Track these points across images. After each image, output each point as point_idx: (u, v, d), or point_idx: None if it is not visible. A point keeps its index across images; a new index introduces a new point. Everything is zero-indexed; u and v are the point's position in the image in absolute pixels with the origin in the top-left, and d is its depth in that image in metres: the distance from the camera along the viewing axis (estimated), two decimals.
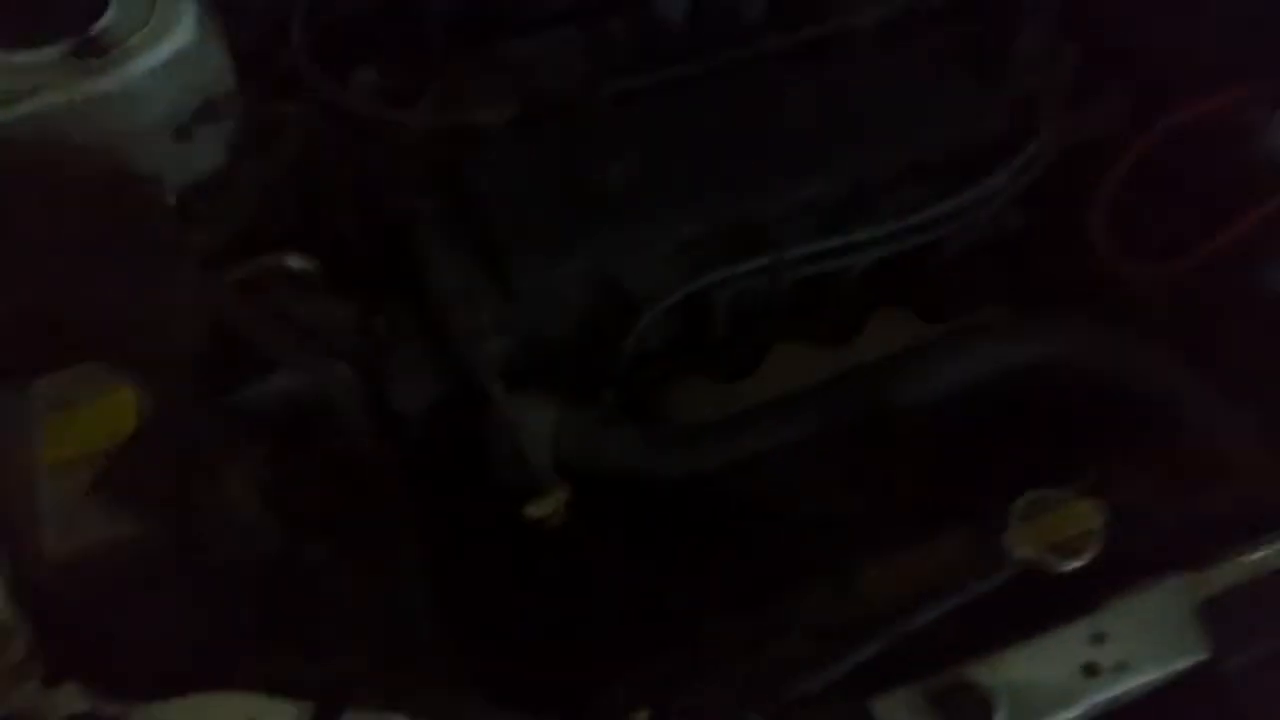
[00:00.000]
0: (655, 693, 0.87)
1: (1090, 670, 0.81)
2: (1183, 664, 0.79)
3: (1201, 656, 0.79)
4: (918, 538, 1.00)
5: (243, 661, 0.74)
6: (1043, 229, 1.22)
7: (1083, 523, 0.87)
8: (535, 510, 0.91)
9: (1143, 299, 1.15)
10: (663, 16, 1.19)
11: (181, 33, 1.04)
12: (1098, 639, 0.83)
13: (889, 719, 0.76)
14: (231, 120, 1.12)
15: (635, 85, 1.12)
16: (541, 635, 0.99)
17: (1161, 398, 1.04)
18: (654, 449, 0.98)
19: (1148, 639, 0.82)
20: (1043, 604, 0.85)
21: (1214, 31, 1.14)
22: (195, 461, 0.81)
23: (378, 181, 1.15)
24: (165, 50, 1.02)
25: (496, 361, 0.99)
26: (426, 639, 0.94)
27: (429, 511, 1.06)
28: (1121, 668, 0.81)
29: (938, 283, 1.17)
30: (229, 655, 0.74)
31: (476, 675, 0.91)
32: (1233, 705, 0.80)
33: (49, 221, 0.91)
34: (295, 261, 1.09)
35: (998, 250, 1.21)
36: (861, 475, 1.08)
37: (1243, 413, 1.00)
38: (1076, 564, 0.85)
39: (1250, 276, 1.10)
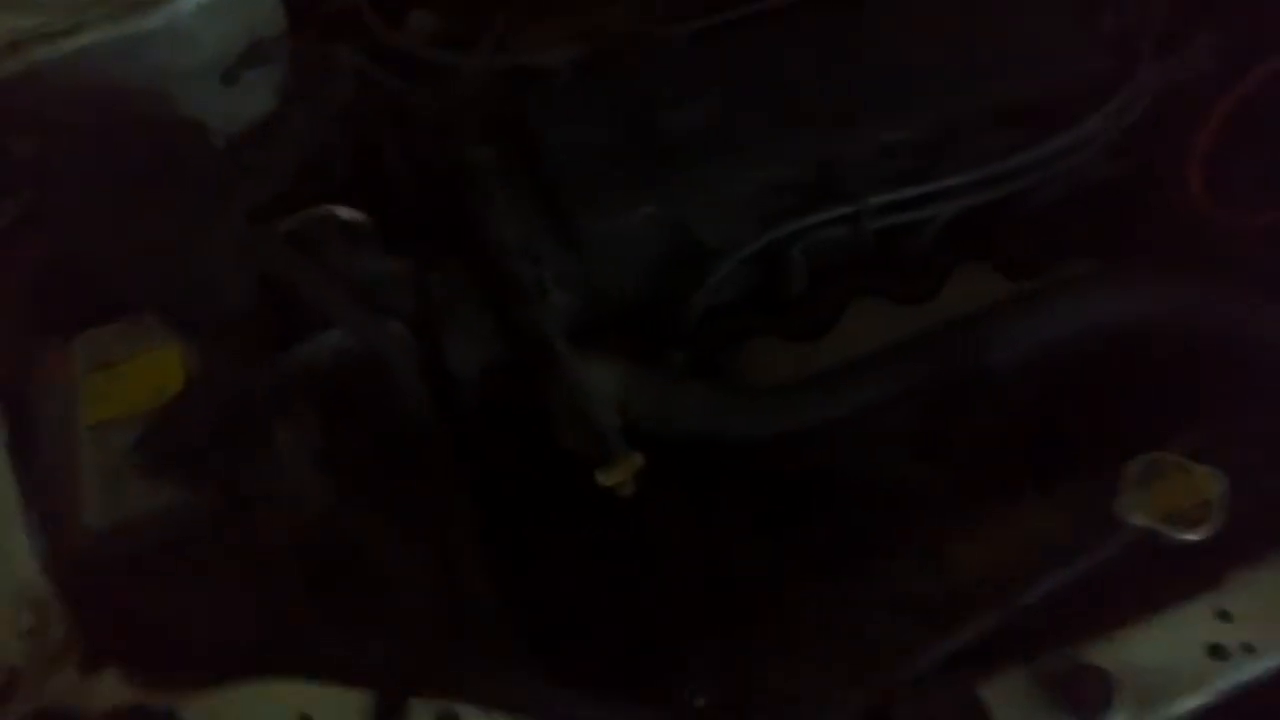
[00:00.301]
0: (733, 673, 0.81)
1: (1216, 652, 0.74)
2: None
3: None
4: (1012, 506, 0.94)
5: (295, 641, 0.69)
6: (1131, 178, 1.13)
7: (1201, 491, 0.79)
8: (606, 478, 0.84)
9: (1237, 250, 1.07)
10: None
11: None
12: (1223, 617, 0.76)
13: (998, 705, 0.69)
14: (280, 64, 1.06)
15: (703, 25, 1.04)
16: (609, 611, 0.93)
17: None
18: (732, 410, 0.91)
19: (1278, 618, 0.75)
20: (1159, 579, 0.78)
21: None
22: (243, 424, 0.75)
23: (433, 130, 1.09)
24: None
25: (559, 318, 0.93)
26: (486, 615, 0.89)
27: (485, 480, 1.02)
28: (1249, 650, 0.74)
29: (1023, 235, 1.08)
30: (281, 634, 0.69)
31: (540, 654, 0.86)
32: None
33: (91, 166, 0.86)
34: (346, 213, 1.03)
35: (1084, 201, 1.12)
36: (948, 439, 1.01)
37: None
38: (1196, 535, 0.77)
39: None
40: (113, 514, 0.72)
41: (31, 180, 0.89)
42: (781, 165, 0.97)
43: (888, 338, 1.00)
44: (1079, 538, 0.79)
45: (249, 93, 1.04)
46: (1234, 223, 1.06)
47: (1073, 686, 0.69)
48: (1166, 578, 0.78)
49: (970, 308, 1.03)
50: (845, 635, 0.79)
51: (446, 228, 1.06)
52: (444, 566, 0.91)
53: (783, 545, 0.94)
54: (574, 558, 0.96)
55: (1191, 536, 0.77)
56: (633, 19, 1.09)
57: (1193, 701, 0.72)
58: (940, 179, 0.99)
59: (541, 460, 1.00)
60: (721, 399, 0.92)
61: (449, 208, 1.06)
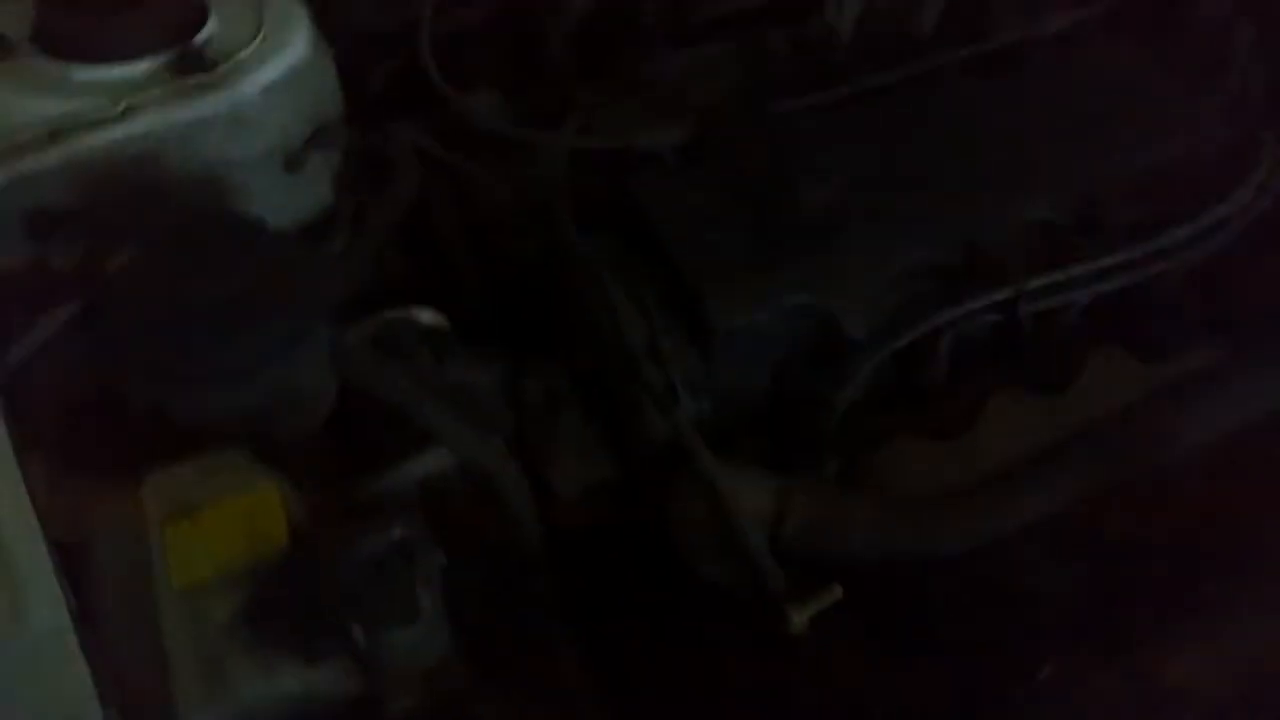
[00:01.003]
0: None
1: None
2: None
3: None
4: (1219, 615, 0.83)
5: None
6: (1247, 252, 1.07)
7: None
8: (801, 615, 0.72)
9: None
10: (828, 29, 1.03)
11: (296, 47, 0.86)
12: None
13: None
14: (339, 150, 0.94)
15: (814, 102, 0.96)
16: None
17: None
18: (909, 529, 0.79)
19: None
20: None
21: None
22: (381, 584, 0.61)
23: (510, 218, 0.98)
24: (279, 67, 0.85)
25: (696, 428, 0.81)
26: None
27: (599, 618, 0.88)
28: None
29: (1158, 316, 1.00)
30: None
31: None
32: None
33: (152, 271, 0.73)
34: (427, 317, 0.90)
35: (1209, 279, 1.05)
36: (1120, 544, 0.90)
37: None
38: None
39: None
40: (216, 706, 0.57)
41: (78, 293, 0.75)
42: (925, 247, 0.88)
43: (1029, 431, 0.90)
44: None
45: (311, 182, 0.92)
46: None
47: None
48: None
49: (1111, 394, 0.94)
50: None
51: (535, 328, 0.95)
52: None
53: (962, 678, 0.81)
54: (718, 709, 0.82)
55: None
56: (733, 95, 1.00)
57: None
58: (1086, 258, 0.90)
59: (662, 594, 0.88)
60: (896, 516, 0.80)
61: (540, 306, 0.95)
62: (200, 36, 0.85)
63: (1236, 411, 0.87)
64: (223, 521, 0.65)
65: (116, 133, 0.79)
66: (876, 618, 0.84)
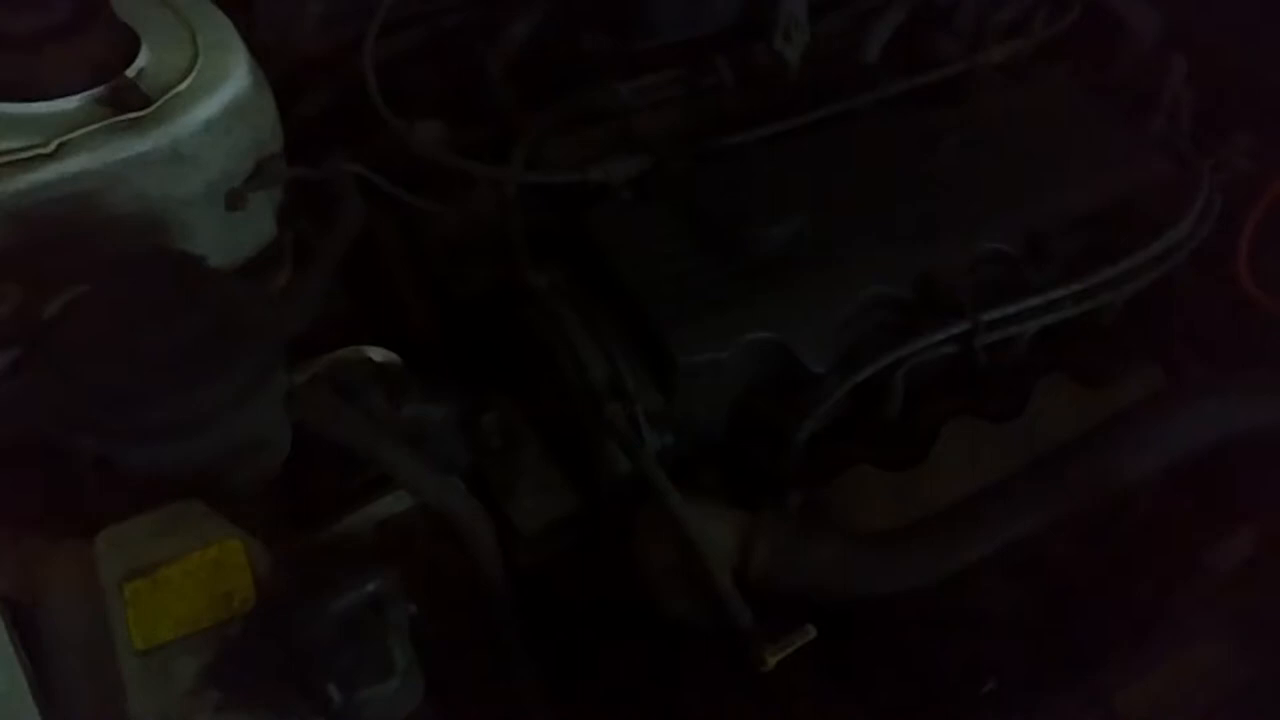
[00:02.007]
0: None
1: None
2: None
3: None
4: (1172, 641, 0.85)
5: None
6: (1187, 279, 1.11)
7: None
8: (773, 655, 0.71)
9: None
10: (773, 58, 1.04)
11: (235, 80, 0.84)
12: None
13: None
14: (279, 185, 0.92)
15: (765, 134, 0.96)
16: None
17: None
18: (876, 563, 0.80)
19: None
20: None
21: None
22: (356, 636, 0.59)
23: (466, 251, 0.96)
24: (218, 100, 0.82)
25: (659, 463, 0.80)
26: None
27: (563, 655, 0.87)
28: None
29: (1100, 343, 1.03)
30: None
31: None
32: None
33: (93, 316, 0.69)
34: (378, 354, 0.88)
35: (1150, 306, 1.08)
36: (1087, 568, 0.92)
37: None
38: None
39: None
40: None
41: (12, 340, 0.71)
42: (881, 281, 0.88)
43: (982, 458, 0.92)
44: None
45: (252, 218, 0.89)
46: None
47: None
48: None
49: (1058, 421, 0.96)
50: None
51: (489, 364, 0.93)
52: None
53: (924, 696, 0.82)
54: None
55: None
56: (683, 126, 1.00)
57: None
58: (1037, 289, 0.93)
59: (626, 631, 0.87)
60: (859, 553, 0.80)
61: (493, 340, 0.93)
62: (132, 69, 0.82)
63: (1180, 442, 0.90)
64: (185, 579, 0.61)
65: (49, 172, 0.75)
66: (834, 645, 0.84)
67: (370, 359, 0.87)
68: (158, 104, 0.79)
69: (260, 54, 0.90)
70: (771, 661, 0.71)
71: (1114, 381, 1.03)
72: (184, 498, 0.66)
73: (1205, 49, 1.14)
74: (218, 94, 0.82)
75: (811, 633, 0.72)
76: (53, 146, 0.76)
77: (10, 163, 0.74)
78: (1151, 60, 1.12)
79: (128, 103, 0.79)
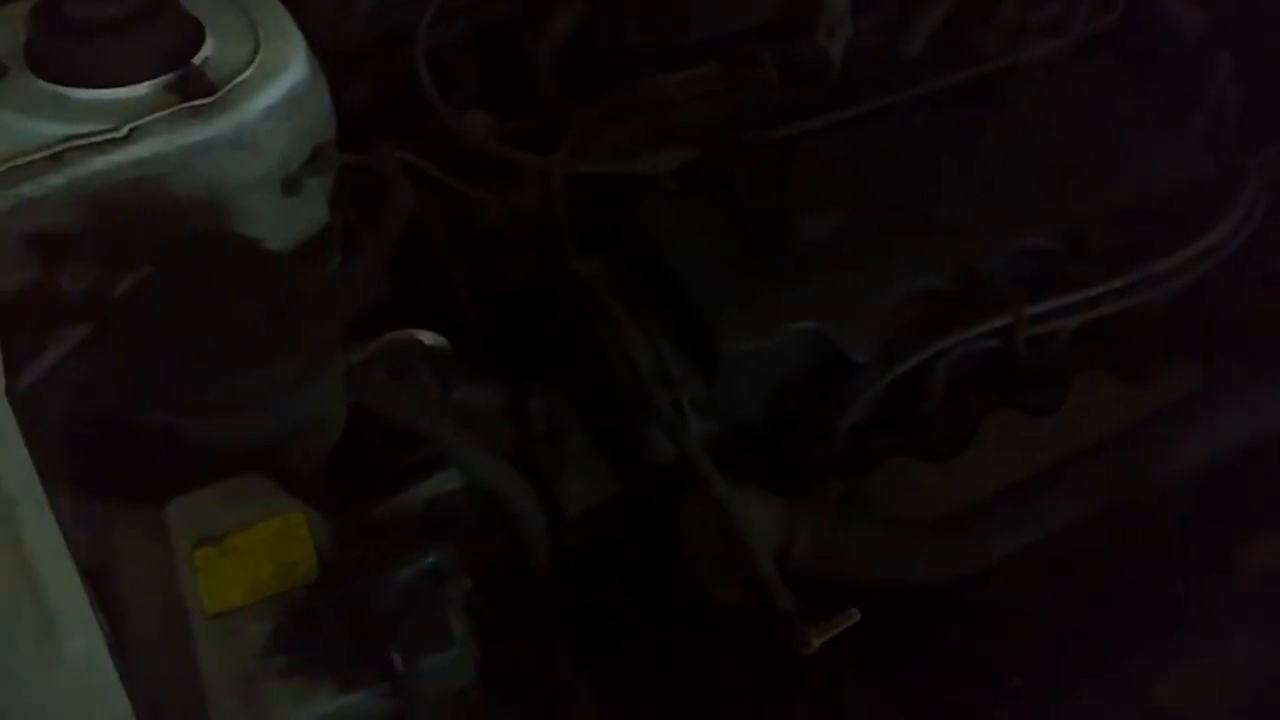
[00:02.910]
0: None
1: None
2: None
3: None
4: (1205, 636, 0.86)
5: None
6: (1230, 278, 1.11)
7: None
8: (817, 637, 0.73)
9: None
10: (817, 52, 1.05)
11: (294, 68, 0.86)
12: None
13: None
14: (335, 170, 0.94)
15: (810, 127, 0.98)
16: None
17: None
18: (916, 552, 0.82)
19: None
20: None
21: None
22: (418, 606, 0.61)
23: (512, 239, 0.98)
24: (279, 88, 0.84)
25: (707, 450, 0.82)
26: None
27: (608, 637, 0.89)
28: None
29: (1141, 340, 1.03)
30: None
31: None
32: None
33: (163, 294, 0.72)
34: (428, 338, 0.90)
35: (1192, 303, 1.09)
36: (1120, 561, 0.93)
37: None
38: None
39: None
40: None
41: (87, 317, 0.74)
42: (924, 273, 0.90)
43: (1021, 453, 0.93)
44: None
45: (307, 203, 0.92)
46: None
47: None
48: None
49: (1097, 417, 0.97)
50: None
51: (535, 349, 0.95)
52: None
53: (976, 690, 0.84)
54: None
55: None
56: (727, 118, 1.01)
57: None
58: (1080, 285, 0.93)
59: (668, 613, 0.88)
60: (903, 541, 0.82)
61: (539, 326, 0.95)
62: (198, 57, 0.84)
63: (1221, 437, 0.90)
64: (252, 547, 0.64)
65: (121, 155, 0.78)
66: (873, 635, 0.86)
67: (420, 342, 0.90)
68: (222, 92, 0.82)
69: (313, 44, 0.93)
70: (815, 644, 0.72)
71: (1154, 378, 1.03)
72: (243, 471, 0.69)
73: (1250, 46, 1.15)
74: (278, 82, 0.84)
75: (856, 615, 0.74)
76: (125, 131, 0.78)
77: (86, 146, 0.77)
78: (1196, 57, 1.12)
79: (194, 90, 0.81)
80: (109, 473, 0.68)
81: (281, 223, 0.90)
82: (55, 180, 0.76)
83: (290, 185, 0.88)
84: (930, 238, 0.91)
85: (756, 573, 0.78)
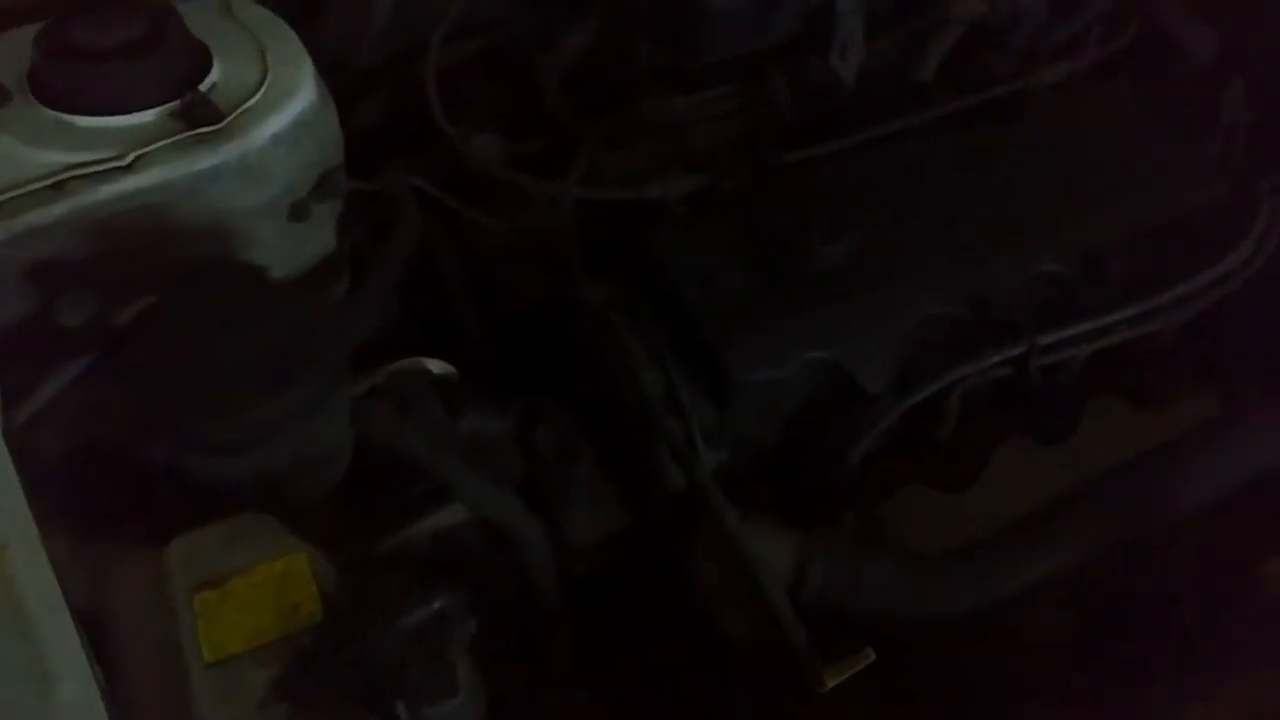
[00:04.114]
0: None
1: None
2: None
3: None
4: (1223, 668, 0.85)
5: None
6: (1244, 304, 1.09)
7: None
8: (832, 678, 0.71)
9: None
10: (829, 74, 1.04)
11: (303, 95, 0.84)
12: None
13: None
14: (342, 196, 0.93)
15: (822, 151, 0.96)
16: None
17: None
18: (933, 586, 0.80)
19: None
20: None
21: None
22: (423, 650, 0.60)
23: (521, 264, 0.97)
24: (287, 115, 0.83)
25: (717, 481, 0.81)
26: None
27: (617, 670, 0.88)
28: None
29: (1155, 366, 1.02)
30: None
31: None
32: None
33: (166, 326, 0.70)
34: (436, 366, 0.89)
35: (1206, 329, 1.07)
36: (1118, 594, 0.91)
37: None
38: None
39: None
40: None
41: (87, 349, 0.73)
42: (938, 301, 0.88)
43: (1034, 481, 0.92)
44: None
45: (315, 229, 0.90)
46: None
47: None
48: None
49: (1111, 444, 0.95)
50: None
51: (544, 377, 0.94)
52: None
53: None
54: None
55: None
56: (739, 141, 1.00)
57: None
58: (1093, 312, 0.92)
59: (678, 645, 0.87)
60: (916, 575, 0.81)
61: (548, 354, 0.94)
62: (205, 84, 0.83)
63: (1236, 470, 0.89)
64: (253, 590, 0.63)
65: (125, 184, 0.76)
66: (887, 663, 0.84)
67: (428, 370, 0.89)
68: (229, 119, 0.80)
69: (321, 67, 0.92)
70: (829, 684, 0.71)
71: (1169, 405, 1.02)
72: (246, 508, 0.68)
73: (1262, 70, 1.13)
74: (286, 109, 0.83)
75: (871, 656, 0.72)
76: (129, 159, 0.77)
77: (89, 174, 0.76)
78: (1208, 81, 1.11)
79: (201, 117, 0.80)
80: (108, 511, 0.67)
81: (288, 250, 0.88)
82: (58, 210, 0.75)
83: (298, 212, 0.87)
84: (944, 264, 0.90)
85: (769, 607, 0.77)
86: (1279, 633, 0.89)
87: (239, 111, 0.81)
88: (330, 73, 0.93)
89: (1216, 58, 1.13)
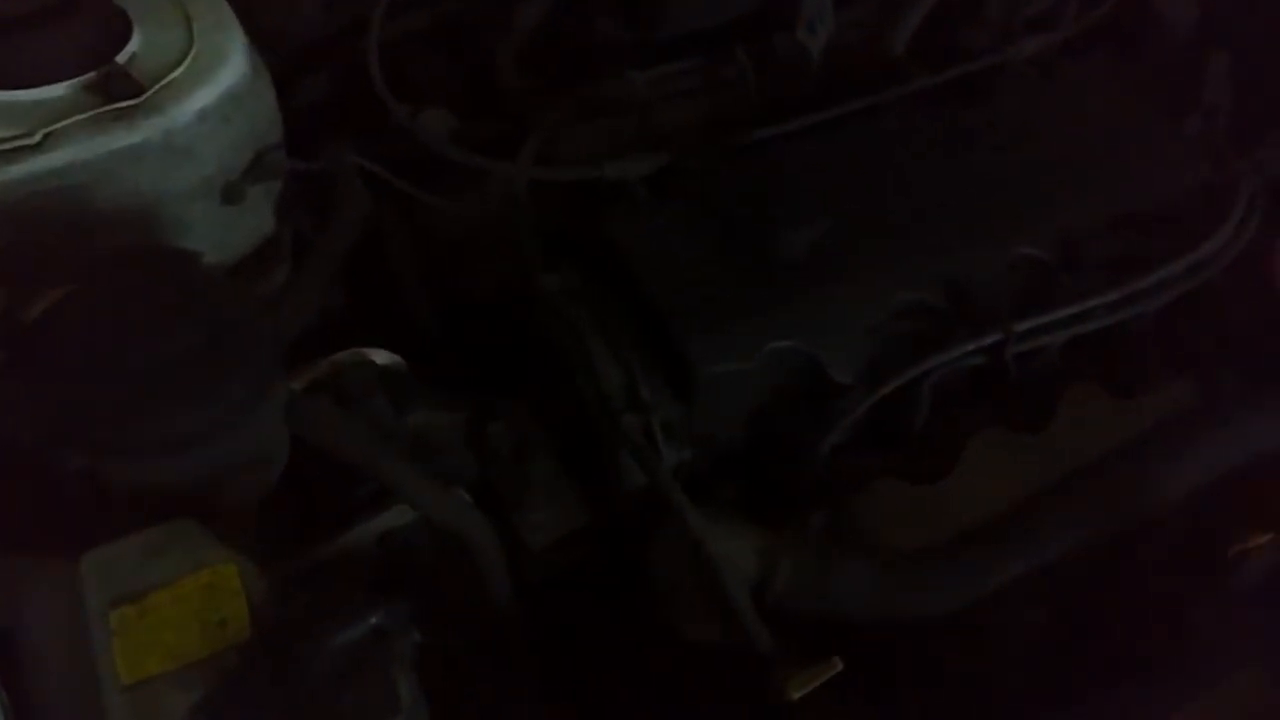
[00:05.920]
0: None
1: None
2: None
3: None
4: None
5: None
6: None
7: None
8: (796, 687, 0.67)
9: None
10: (796, 49, 0.99)
11: (232, 67, 0.79)
12: None
13: None
14: (280, 178, 0.87)
15: (788, 130, 0.92)
16: None
17: None
18: (905, 589, 0.76)
19: None
20: None
21: None
22: (360, 670, 0.55)
23: (474, 250, 0.92)
24: (214, 89, 0.77)
25: (677, 478, 0.77)
26: None
27: (574, 675, 0.83)
28: None
29: (1132, 353, 0.99)
30: None
31: None
32: None
33: (83, 319, 0.65)
34: (381, 357, 0.84)
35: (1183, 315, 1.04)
36: (1093, 589, 0.88)
37: None
38: None
39: None
40: None
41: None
42: (910, 287, 0.84)
43: (1009, 473, 0.88)
44: None
45: (250, 212, 0.85)
46: None
47: None
48: None
49: (1087, 433, 0.92)
50: None
51: (498, 369, 0.89)
52: None
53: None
54: None
55: None
56: (702, 119, 0.95)
57: None
58: (1070, 298, 0.88)
59: (638, 648, 0.83)
60: (887, 575, 0.77)
61: (503, 344, 0.89)
62: (124, 54, 0.77)
63: (1218, 460, 0.86)
64: (176, 605, 0.57)
65: (34, 164, 0.71)
66: (854, 666, 0.81)
67: (373, 362, 0.83)
68: (150, 92, 0.75)
69: (258, 39, 0.86)
70: (795, 694, 0.67)
71: (1146, 391, 0.99)
72: (174, 515, 0.62)
73: (1240, 39, 1.10)
74: (214, 81, 0.78)
75: (838, 665, 0.68)
76: (38, 137, 0.71)
77: None
78: (1189, 52, 1.08)
79: (118, 90, 0.74)
80: (17, 522, 0.62)
81: (222, 235, 0.83)
82: None
83: (231, 194, 0.81)
84: (916, 250, 0.86)
85: (732, 610, 0.73)
86: (1257, 631, 0.87)
87: (161, 84, 0.76)
88: (268, 45, 0.88)
89: (1196, 27, 1.10)
